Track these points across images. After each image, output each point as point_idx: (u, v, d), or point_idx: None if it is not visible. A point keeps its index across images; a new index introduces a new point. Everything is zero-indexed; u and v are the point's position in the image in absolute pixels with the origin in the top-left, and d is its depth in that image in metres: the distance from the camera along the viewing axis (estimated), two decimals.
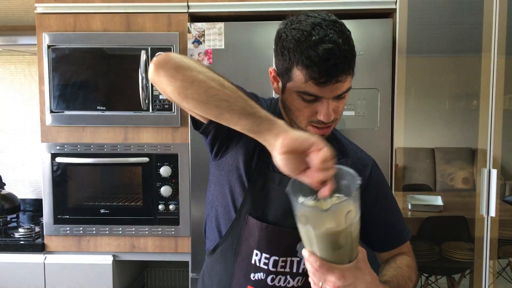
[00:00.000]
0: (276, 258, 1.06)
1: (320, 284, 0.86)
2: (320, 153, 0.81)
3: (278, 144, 0.83)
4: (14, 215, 2.43)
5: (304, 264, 1.01)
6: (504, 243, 2.03)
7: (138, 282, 2.54)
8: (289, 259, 1.06)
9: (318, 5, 1.92)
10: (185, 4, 1.98)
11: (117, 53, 2.01)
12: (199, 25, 1.91)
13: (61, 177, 2.06)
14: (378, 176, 1.15)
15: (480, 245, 1.94)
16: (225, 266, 1.11)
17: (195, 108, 0.91)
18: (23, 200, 2.57)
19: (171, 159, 2.02)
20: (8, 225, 2.33)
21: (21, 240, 2.14)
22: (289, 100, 1.01)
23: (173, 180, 2.03)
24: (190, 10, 1.98)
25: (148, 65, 1.94)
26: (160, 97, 1.99)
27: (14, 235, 2.18)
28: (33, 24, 2.05)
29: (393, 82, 1.89)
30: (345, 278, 0.84)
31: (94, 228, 2.07)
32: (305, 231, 0.85)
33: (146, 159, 2.02)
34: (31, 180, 2.64)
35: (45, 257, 2.10)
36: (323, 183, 0.82)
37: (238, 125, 0.88)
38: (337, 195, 0.85)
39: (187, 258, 2.05)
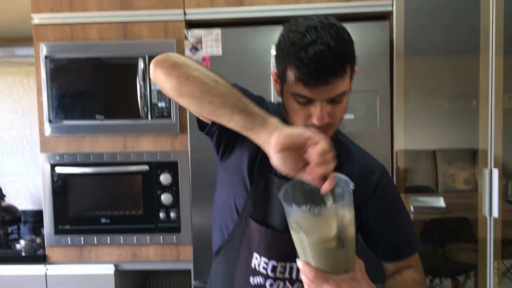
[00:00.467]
0: (275, 263, 1.05)
1: None
2: (317, 147, 0.79)
3: (273, 142, 0.82)
4: (15, 227, 2.42)
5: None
6: (508, 244, 2.01)
7: None
8: (288, 264, 1.05)
9: (315, 10, 1.92)
10: (182, 11, 1.98)
11: (114, 62, 2.01)
12: (196, 31, 1.90)
13: (61, 187, 2.05)
14: (387, 184, 1.12)
15: (483, 246, 1.93)
16: (226, 269, 1.11)
17: (190, 104, 0.92)
18: (24, 212, 2.56)
19: (171, 167, 2.02)
20: (9, 237, 2.33)
21: (23, 252, 2.13)
22: (286, 102, 1.01)
23: (173, 187, 2.02)
24: (187, 17, 1.98)
25: (146, 74, 1.95)
26: (159, 105, 1.98)
27: (16, 246, 2.17)
28: (30, 35, 2.05)
29: (391, 84, 1.88)
30: None
31: (95, 238, 2.06)
32: (298, 239, 0.83)
33: (146, 167, 2.02)
34: (31, 191, 2.64)
35: (47, 268, 2.09)
36: (324, 178, 0.80)
37: (232, 122, 0.88)
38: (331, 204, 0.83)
39: (189, 266, 2.04)
